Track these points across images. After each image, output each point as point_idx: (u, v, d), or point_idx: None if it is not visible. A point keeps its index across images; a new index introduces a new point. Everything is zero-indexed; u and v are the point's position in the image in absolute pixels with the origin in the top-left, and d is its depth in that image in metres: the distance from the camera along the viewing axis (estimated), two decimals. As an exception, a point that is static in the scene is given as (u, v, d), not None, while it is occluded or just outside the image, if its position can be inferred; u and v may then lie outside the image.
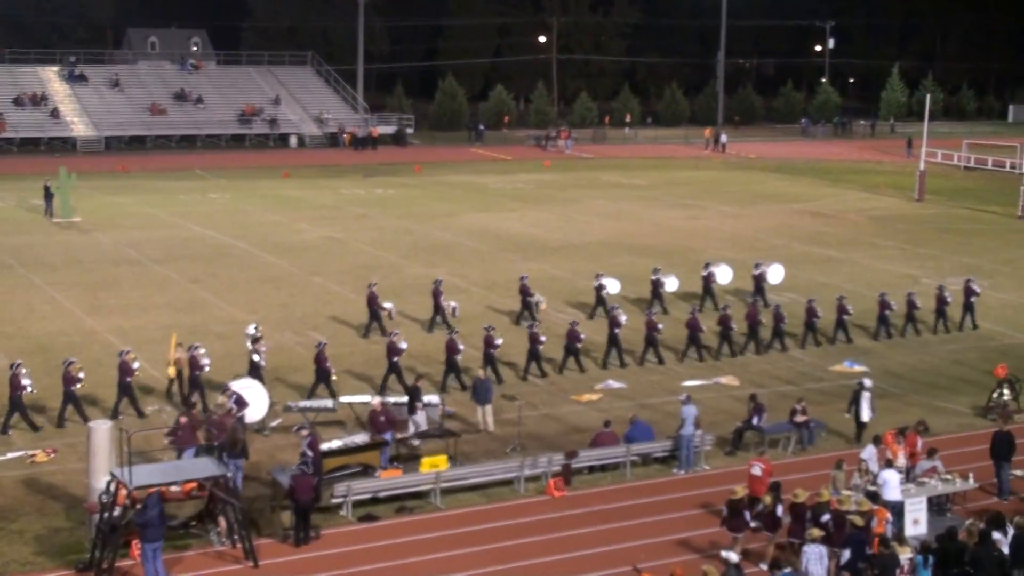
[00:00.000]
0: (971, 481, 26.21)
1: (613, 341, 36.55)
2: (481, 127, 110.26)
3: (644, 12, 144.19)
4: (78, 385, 30.33)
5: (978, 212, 68.81)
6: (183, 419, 26.87)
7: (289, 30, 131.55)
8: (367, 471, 26.29)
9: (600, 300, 41.93)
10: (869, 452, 26.03)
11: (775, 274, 44.76)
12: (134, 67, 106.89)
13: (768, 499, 23.33)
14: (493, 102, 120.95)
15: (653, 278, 43.03)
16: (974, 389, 34.53)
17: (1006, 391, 32.47)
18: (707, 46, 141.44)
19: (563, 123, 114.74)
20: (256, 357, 32.04)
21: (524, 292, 41.45)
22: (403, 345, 33.54)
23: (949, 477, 26.03)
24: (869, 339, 39.83)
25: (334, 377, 32.32)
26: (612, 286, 42.75)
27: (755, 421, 29.53)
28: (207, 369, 31.73)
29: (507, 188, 75.87)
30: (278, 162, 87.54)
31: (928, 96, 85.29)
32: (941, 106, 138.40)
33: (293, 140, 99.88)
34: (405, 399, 29.92)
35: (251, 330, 33.92)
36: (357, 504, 25.25)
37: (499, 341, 34.36)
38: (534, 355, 34.99)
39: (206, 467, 23.99)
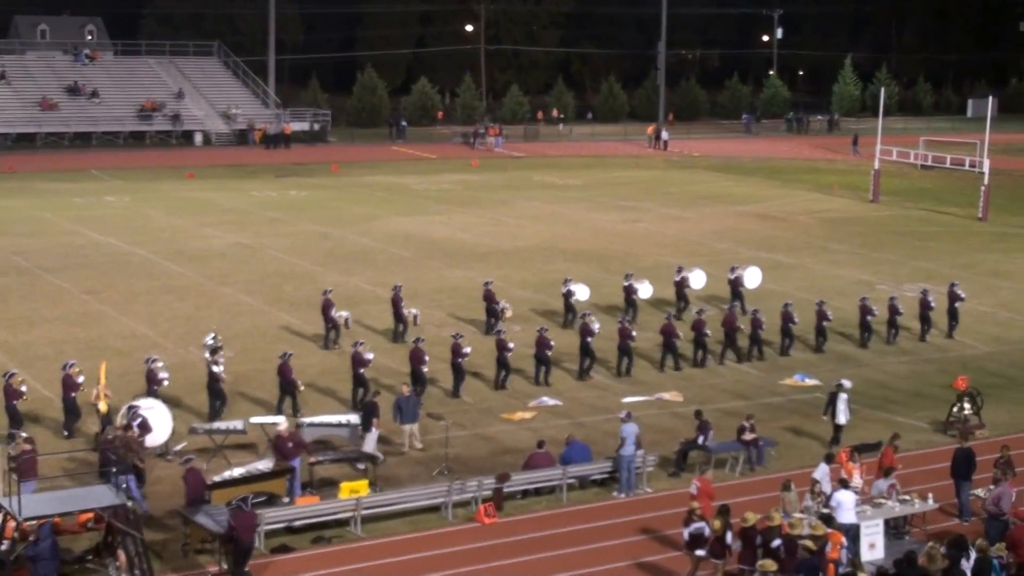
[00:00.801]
0: (930, 502, 26.53)
1: (586, 351, 36.96)
2: (403, 123, 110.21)
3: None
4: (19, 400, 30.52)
5: (936, 214, 69.79)
6: (26, 446, 26.00)
7: (193, 17, 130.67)
8: (272, 501, 26.08)
9: (569, 307, 42.36)
10: (821, 471, 26.26)
11: (752, 278, 45.37)
12: (22, 58, 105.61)
13: (717, 524, 23.46)
14: (416, 96, 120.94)
15: (625, 284, 43.41)
16: (933, 403, 34.96)
17: (967, 405, 32.89)
18: (647, 36, 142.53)
19: (492, 119, 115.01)
20: (217, 368, 32.17)
21: (489, 299, 41.70)
22: (369, 356, 33.87)
23: (907, 498, 26.33)
24: (852, 346, 40.74)
25: (301, 388, 32.73)
26: (582, 292, 43.12)
27: (701, 440, 29.70)
28: (166, 383, 31.93)
29: (432, 189, 75.83)
30: (182, 162, 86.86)
31: (883, 90, 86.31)
32: (896, 100, 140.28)
33: (198, 138, 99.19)
34: (346, 419, 30.12)
35: (209, 340, 34.02)
36: (269, 534, 25.07)
37: (467, 350, 34.82)
38: (503, 364, 35.62)
39: (103, 496, 23.68)
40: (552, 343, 36.45)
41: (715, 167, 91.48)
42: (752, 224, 64.62)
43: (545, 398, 34.78)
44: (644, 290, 43.59)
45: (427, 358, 34.24)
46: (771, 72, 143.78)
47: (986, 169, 68.45)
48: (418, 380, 33.83)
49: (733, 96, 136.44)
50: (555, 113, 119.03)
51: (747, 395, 35.71)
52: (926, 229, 64.17)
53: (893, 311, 41.42)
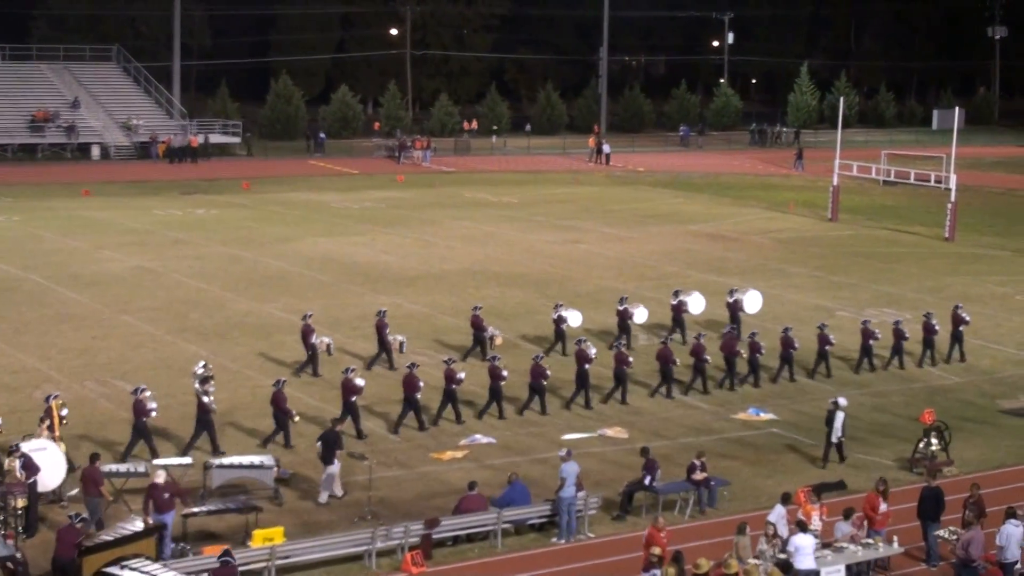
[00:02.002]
0: (895, 545, 26.74)
1: (582, 380, 37.54)
2: (322, 136, 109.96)
3: (514, 1, 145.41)
4: None
5: (899, 233, 70.54)
6: None
7: (90, 19, 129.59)
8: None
9: (560, 335, 43.08)
10: (777, 513, 26.39)
11: (752, 302, 46.10)
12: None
13: (672, 572, 23.51)
14: (336, 106, 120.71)
15: (620, 308, 43.94)
16: (897, 439, 35.28)
17: (934, 441, 33.17)
18: (587, 41, 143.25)
19: (417, 131, 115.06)
20: (206, 399, 32.56)
21: (476, 326, 42.29)
22: (360, 382, 34.53)
23: (871, 541, 26.53)
24: (851, 372, 41.77)
25: (296, 419, 33.23)
26: (574, 319, 43.74)
27: (647, 480, 29.77)
28: (154, 415, 32.37)
29: (353, 208, 75.68)
30: (77, 177, 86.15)
31: (841, 99, 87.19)
32: (856, 111, 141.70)
33: (95, 151, 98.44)
34: (260, 460, 29.99)
35: (199, 368, 34.33)
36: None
37: (461, 375, 35.67)
38: (496, 393, 36.24)
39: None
40: (548, 372, 37.14)
41: (661, 183, 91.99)
42: (702, 245, 65.02)
43: (478, 436, 34.77)
44: (639, 315, 44.33)
45: (421, 384, 35.13)
46: (721, 80, 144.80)
47: (953, 185, 69.27)
48: (412, 408, 34.97)
49: (681, 106, 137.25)
50: (466, 126, 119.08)
51: (698, 430, 35.86)
52: (889, 250, 64.85)
53: (898, 336, 42.31)
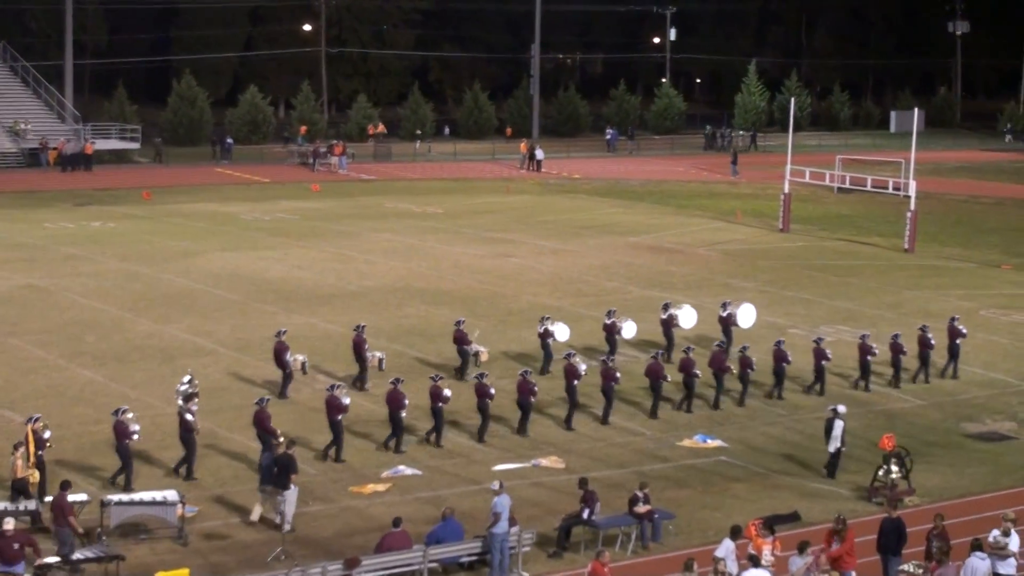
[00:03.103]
0: (854, 581, 26.92)
1: (571, 396, 38.54)
2: (229, 141, 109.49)
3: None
4: None
5: (856, 244, 71.13)
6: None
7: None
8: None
9: (546, 349, 43.69)
10: (726, 548, 26.49)
11: (746, 316, 46.97)
12: None
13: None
14: (244, 108, 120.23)
15: (607, 322, 44.77)
16: (855, 465, 35.52)
17: (894, 468, 33.43)
18: (518, 37, 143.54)
19: (335, 135, 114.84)
20: (190, 417, 33.28)
21: (460, 341, 42.85)
22: (346, 400, 35.41)
23: (827, 577, 26.69)
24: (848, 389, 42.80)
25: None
26: (561, 332, 44.36)
27: (586, 513, 29.80)
28: (136, 437, 32.89)
29: (264, 220, 75.42)
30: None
31: (792, 100, 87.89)
32: (808, 113, 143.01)
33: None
34: (162, 496, 29.91)
35: (183, 385, 34.99)
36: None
37: (447, 393, 36.34)
38: (482, 412, 36.91)
39: None
40: (536, 388, 37.77)
41: (599, 191, 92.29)
42: (644, 258, 65.27)
43: (401, 467, 34.70)
44: (628, 329, 45.11)
45: (407, 402, 35.96)
46: (663, 80, 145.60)
47: (912, 192, 69.84)
48: (396, 427, 35.88)
49: (620, 108, 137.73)
50: (371, 130, 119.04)
51: (640, 459, 35.96)
52: (845, 263, 65.37)
53: (896, 350, 43.23)
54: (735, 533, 27.13)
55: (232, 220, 75.03)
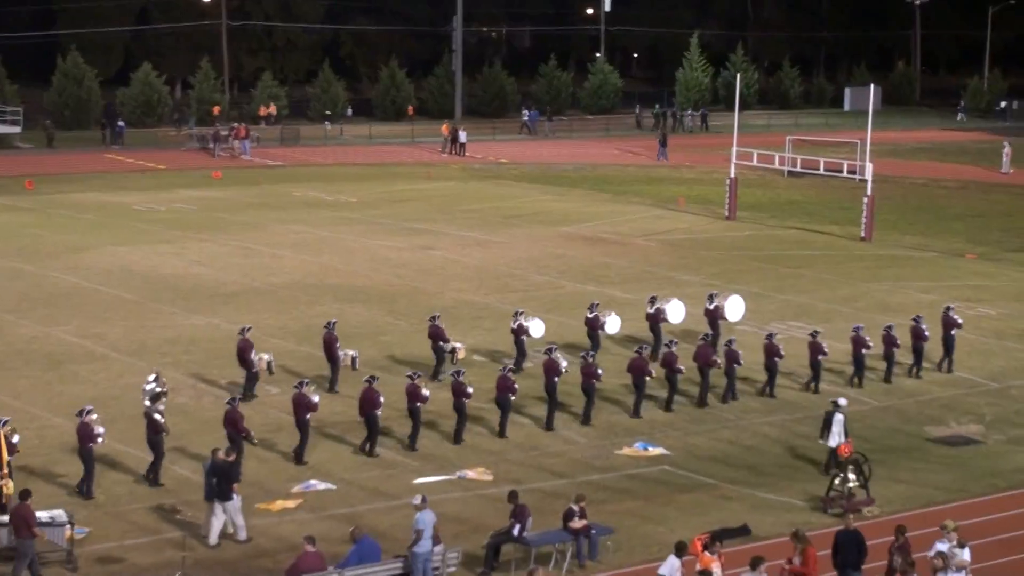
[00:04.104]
0: (809, 599, 27.05)
1: (551, 394, 39.05)
2: (120, 124, 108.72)
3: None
4: None
5: (808, 233, 71.50)
6: None
7: None
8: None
9: (520, 346, 44.22)
10: (671, 566, 26.55)
11: (734, 309, 47.53)
12: None
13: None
14: (137, 88, 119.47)
15: (589, 316, 45.16)
16: (809, 474, 35.70)
17: (851, 476, 33.60)
18: (439, 9, 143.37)
19: (238, 117, 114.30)
20: (159, 418, 33.88)
21: (435, 337, 43.22)
22: (316, 398, 36.19)
23: (780, 595, 26.79)
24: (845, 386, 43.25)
25: (255, 442, 34.51)
26: (536, 328, 44.59)
27: (516, 529, 29.78)
28: (101, 440, 33.42)
29: (159, 211, 74.99)
30: None
31: (738, 76, 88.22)
32: (756, 90, 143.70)
33: None
34: (49, 515, 29.60)
35: (149, 383, 35.55)
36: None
37: (426, 393, 37.08)
38: (459, 412, 37.62)
39: None
40: (516, 386, 38.27)
41: (528, 177, 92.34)
42: (578, 249, 65.34)
43: (313, 481, 34.56)
44: (612, 324, 45.59)
45: (382, 400, 36.45)
46: (598, 55, 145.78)
47: (869, 176, 70.16)
48: (372, 429, 36.43)
49: (550, 85, 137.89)
50: (263, 111, 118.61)
51: (575, 470, 35.98)
52: (796, 253, 65.68)
53: (890, 343, 43.85)
54: (680, 549, 27.16)
55: (124, 211, 74.49)
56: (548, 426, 39.00)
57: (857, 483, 33.57)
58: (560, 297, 54.11)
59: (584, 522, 30.15)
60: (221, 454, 31.27)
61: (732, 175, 76.36)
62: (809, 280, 59.15)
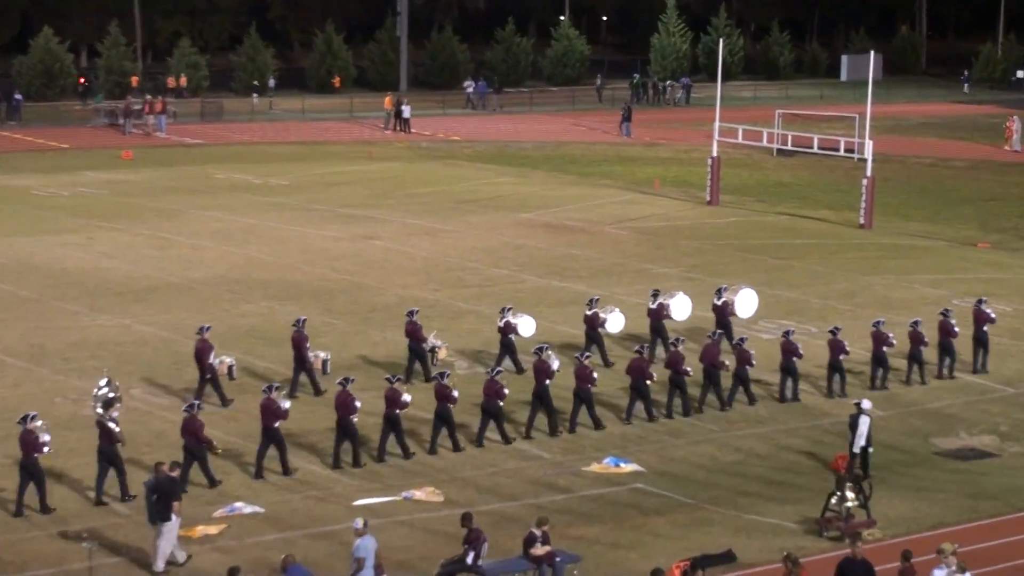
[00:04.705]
0: (803, 634, 27.10)
1: (541, 399, 39.22)
2: (17, 97, 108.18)
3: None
4: None
5: (800, 220, 71.63)
6: None
7: None
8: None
9: (508, 347, 44.62)
10: (647, 597, 26.59)
11: (745, 304, 47.91)
12: None
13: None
14: (37, 56, 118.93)
15: (588, 313, 45.29)
16: (801, 493, 35.73)
17: (849, 494, 33.64)
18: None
19: (150, 89, 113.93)
20: (113, 427, 34.20)
21: (413, 335, 43.37)
22: (286, 404, 36.66)
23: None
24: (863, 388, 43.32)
25: (219, 451, 35.43)
26: (526, 327, 44.92)
27: (471, 557, 29.77)
28: (47, 450, 33.78)
29: (63, 196, 74.75)
30: None
31: (721, 42, 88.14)
32: (741, 58, 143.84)
33: None
34: None
35: (100, 388, 36.05)
36: None
37: (407, 398, 37.33)
38: (444, 419, 37.97)
39: None
40: (505, 389, 38.50)
41: (484, 156, 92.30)
42: (540, 239, 65.34)
43: (239, 504, 34.47)
44: (614, 322, 45.90)
45: (359, 405, 36.77)
46: (562, 18, 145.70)
47: (868, 155, 70.31)
48: (350, 437, 36.88)
49: (507, 53, 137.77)
50: (171, 83, 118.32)
51: (537, 489, 35.95)
52: (786, 242, 65.80)
53: (917, 340, 44.27)
54: (656, 577, 27.23)
55: (22, 196, 74.26)
56: (527, 434, 39.30)
57: (856, 502, 33.60)
58: (520, 292, 54.07)
59: (547, 548, 30.13)
60: (165, 468, 31.33)
61: (714, 154, 76.20)
62: (801, 273, 59.22)
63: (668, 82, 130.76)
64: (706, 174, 76.64)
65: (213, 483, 35.15)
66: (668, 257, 61.82)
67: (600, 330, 45.49)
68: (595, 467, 37.51)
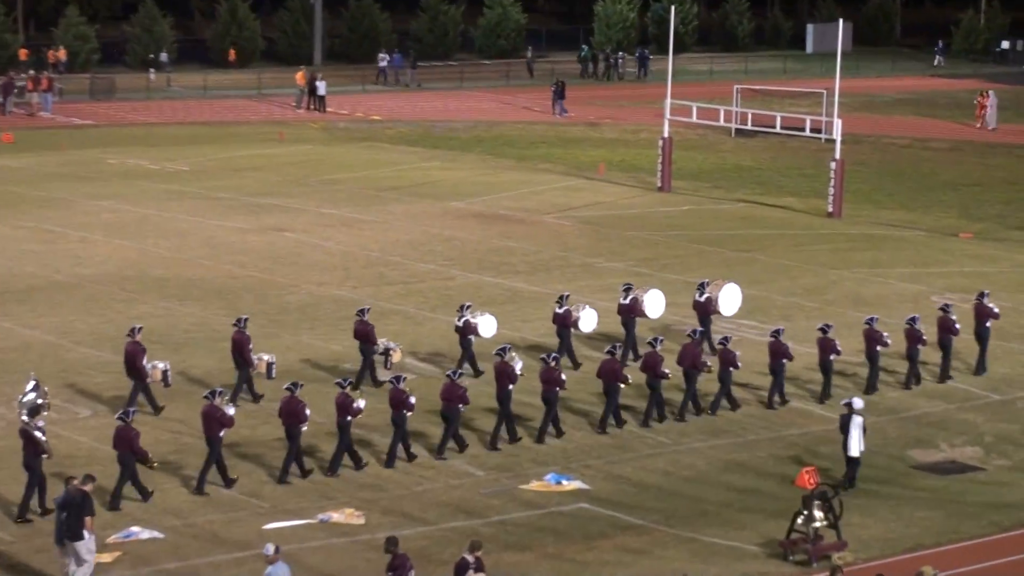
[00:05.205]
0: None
1: (504, 406, 39.66)
2: None
3: None
4: None
5: (762, 208, 71.86)
6: None
7: None
8: None
9: (467, 348, 45.06)
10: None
11: (729, 300, 48.10)
12: None
13: None
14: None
15: (559, 311, 45.44)
16: (765, 511, 35.83)
17: (817, 513, 33.69)
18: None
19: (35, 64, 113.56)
20: (40, 436, 34.50)
21: (363, 337, 43.74)
22: (231, 411, 37.07)
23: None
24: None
25: (154, 464, 35.72)
26: (487, 326, 45.09)
27: (395, 586, 29.81)
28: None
29: (-65, 183, 74.51)
30: None
31: (673, 10, 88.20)
32: (695, 27, 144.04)
33: None
34: None
35: (28, 394, 36.66)
36: None
37: (361, 404, 37.73)
38: (400, 427, 38.42)
39: None
40: (467, 395, 38.85)
41: (408, 138, 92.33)
42: (471, 230, 65.37)
43: (135, 529, 34.35)
44: (587, 320, 46.05)
45: (308, 412, 37.29)
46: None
47: (837, 135, 70.45)
48: (294, 446, 37.27)
49: (434, 23, 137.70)
50: (51, 57, 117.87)
51: (470, 510, 35.92)
52: (747, 233, 65.99)
53: (915, 339, 44.63)
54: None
55: None
56: (492, 445, 39.57)
57: (825, 522, 33.66)
58: (450, 289, 54.11)
59: (482, 575, 30.19)
60: (76, 482, 31.38)
61: (666, 134, 76.36)
62: (763, 267, 59.37)
63: (620, 54, 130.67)
64: (657, 157, 76.74)
65: (145, 495, 35.51)
66: (614, 250, 61.91)
67: (572, 330, 45.62)
68: (534, 485, 37.50)
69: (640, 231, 65.68)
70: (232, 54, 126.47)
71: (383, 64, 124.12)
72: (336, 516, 35.40)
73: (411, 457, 38.34)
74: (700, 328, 45.74)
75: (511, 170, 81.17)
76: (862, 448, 36.62)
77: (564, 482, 37.59)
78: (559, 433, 40.18)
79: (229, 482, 36.47)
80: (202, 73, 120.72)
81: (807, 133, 79.95)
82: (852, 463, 36.75)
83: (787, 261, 60.55)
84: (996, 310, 46.69)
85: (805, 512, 33.67)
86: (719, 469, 38.87)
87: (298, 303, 52.27)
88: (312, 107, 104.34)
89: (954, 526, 35.43)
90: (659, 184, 75.54)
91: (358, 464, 37.73)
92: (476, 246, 62.28)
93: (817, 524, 33.54)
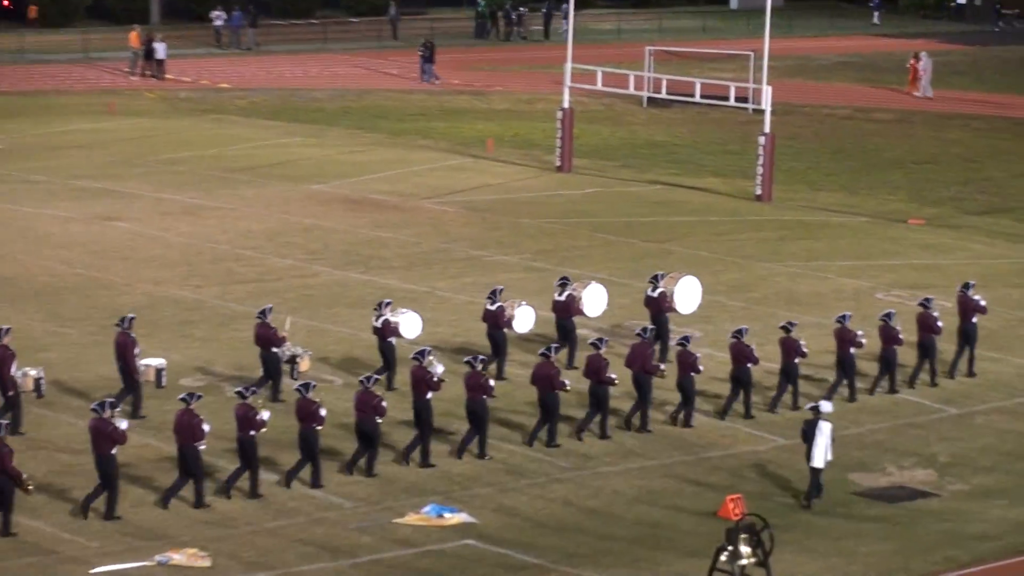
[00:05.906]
0: None
1: (420, 417, 40.37)
2: None
3: None
4: None
5: (679, 190, 72.14)
6: None
7: None
8: None
9: (388, 351, 45.52)
10: None
11: (686, 297, 48.49)
12: None
13: None
14: None
15: (490, 308, 46.04)
16: (683, 546, 36.00)
17: (744, 549, 33.84)
18: None
19: None
20: None
21: (264, 341, 44.05)
22: (123, 424, 36.98)
23: None
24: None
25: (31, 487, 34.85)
26: (409, 326, 45.55)
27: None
28: None
29: None
30: None
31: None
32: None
33: None
34: None
35: None
36: None
37: (264, 416, 38.02)
38: (308, 443, 38.56)
39: None
40: (385, 404, 38.99)
41: (263, 110, 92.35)
42: (337, 218, 65.40)
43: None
44: (523, 319, 46.48)
45: (207, 428, 37.41)
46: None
47: (767, 105, 70.75)
48: (194, 467, 37.57)
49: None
50: None
51: (335, 549, 35.91)
52: (661, 220, 66.25)
53: (926, 328, 45.65)
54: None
55: None
56: (406, 458, 40.04)
57: (753, 559, 33.84)
58: (311, 288, 54.07)
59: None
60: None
61: (565, 105, 76.56)
62: (680, 260, 59.42)
63: (522, 9, 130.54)
64: (555, 132, 76.93)
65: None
66: (506, 241, 62.03)
67: (502, 332, 45.91)
68: (411, 518, 37.52)
69: (536, 218, 65.83)
70: (33, 11, 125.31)
71: (218, 23, 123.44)
72: (177, 557, 35.24)
73: (288, 481, 38.58)
74: (651, 326, 45.76)
75: (383, 147, 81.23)
76: (829, 458, 37.21)
77: (446, 515, 37.60)
78: (482, 454, 40.49)
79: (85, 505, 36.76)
80: (17, 34, 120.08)
81: (731, 103, 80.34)
82: (815, 473, 37.41)
83: (708, 253, 60.80)
84: (983, 303, 47.17)
85: (730, 548, 33.78)
86: (628, 499, 38.95)
87: (132, 304, 51.99)
88: (148, 73, 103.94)
89: (903, 562, 35.72)
90: (558, 163, 75.77)
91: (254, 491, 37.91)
92: (342, 237, 62.26)
93: (744, 562, 33.66)
